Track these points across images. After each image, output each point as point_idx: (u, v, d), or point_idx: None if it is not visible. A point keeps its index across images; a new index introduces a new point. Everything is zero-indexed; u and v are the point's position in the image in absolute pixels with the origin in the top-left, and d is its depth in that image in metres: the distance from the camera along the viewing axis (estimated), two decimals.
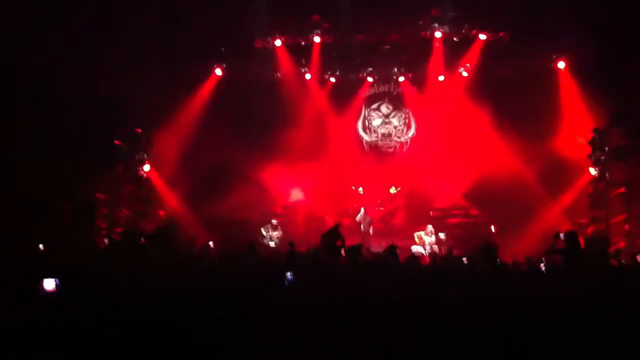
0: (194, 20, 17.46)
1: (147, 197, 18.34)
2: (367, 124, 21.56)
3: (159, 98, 17.56)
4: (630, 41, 15.92)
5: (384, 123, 21.46)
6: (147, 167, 18.51)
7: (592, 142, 17.29)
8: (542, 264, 10.51)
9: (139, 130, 18.36)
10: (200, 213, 17.95)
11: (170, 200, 18.68)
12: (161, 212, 18.31)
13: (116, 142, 17.89)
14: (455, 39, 19.45)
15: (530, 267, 10.53)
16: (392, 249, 9.45)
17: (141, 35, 16.78)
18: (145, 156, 18.51)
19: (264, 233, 18.04)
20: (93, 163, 16.29)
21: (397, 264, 9.58)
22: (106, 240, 13.68)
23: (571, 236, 11.16)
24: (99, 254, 12.44)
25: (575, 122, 17.94)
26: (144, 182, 18.45)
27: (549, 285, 8.76)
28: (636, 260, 12.65)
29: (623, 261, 11.83)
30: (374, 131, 21.50)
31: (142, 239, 10.59)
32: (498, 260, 10.02)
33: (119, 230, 16.89)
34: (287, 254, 10.88)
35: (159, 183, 18.83)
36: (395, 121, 21.42)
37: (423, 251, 16.26)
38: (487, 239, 13.31)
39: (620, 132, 16.78)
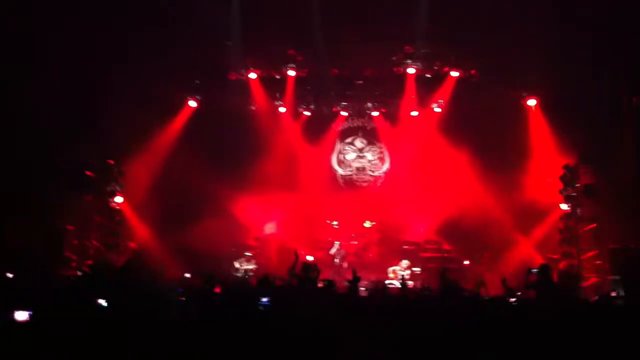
0: (168, 52, 17.45)
1: (117, 229, 18.00)
2: (341, 157, 21.65)
3: (132, 129, 17.44)
4: (597, 81, 16.37)
5: (358, 157, 21.57)
6: (119, 199, 18.23)
7: (563, 178, 17.56)
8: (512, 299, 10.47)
9: (111, 162, 18.13)
10: (172, 245, 17.65)
11: (141, 232, 18.37)
12: (131, 244, 17.99)
13: (87, 172, 17.61)
14: (427, 75, 19.68)
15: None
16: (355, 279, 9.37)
17: (114, 64, 16.74)
18: (117, 187, 18.24)
19: (237, 266, 17.83)
20: (63, 193, 16.03)
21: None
22: (79, 273, 13.36)
23: (545, 269, 11.28)
24: (70, 285, 12.18)
25: (546, 159, 18.24)
26: (114, 214, 18.13)
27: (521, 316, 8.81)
28: (608, 295, 12.79)
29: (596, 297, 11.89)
30: (348, 165, 21.60)
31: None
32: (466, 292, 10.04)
33: (88, 262, 16.54)
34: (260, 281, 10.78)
35: (129, 214, 18.54)
36: (369, 155, 21.55)
37: (398, 285, 16.18)
38: (458, 273, 13.33)
39: (588, 169, 17.10)
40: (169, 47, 17.27)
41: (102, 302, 8.20)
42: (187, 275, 13.84)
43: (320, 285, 9.60)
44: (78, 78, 16.15)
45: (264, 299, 8.44)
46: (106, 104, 16.84)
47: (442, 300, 9.57)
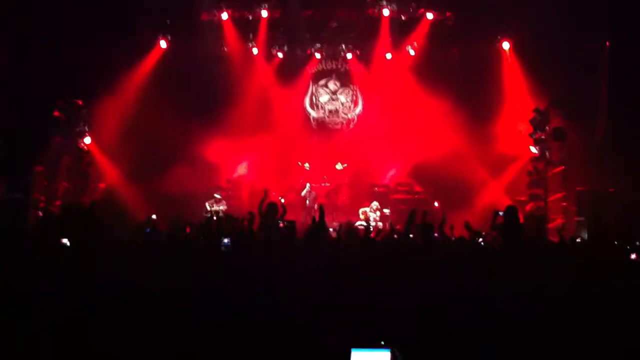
0: None
1: (86, 170, 17.83)
2: (314, 100, 21.50)
3: (101, 69, 17.13)
4: (571, 25, 16.32)
5: (331, 99, 21.45)
6: (87, 140, 18.01)
7: (533, 122, 17.67)
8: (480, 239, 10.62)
9: (80, 102, 17.83)
10: (142, 187, 17.56)
11: (111, 174, 18.22)
12: (101, 185, 17.86)
13: (55, 113, 17.32)
14: (402, 17, 19.46)
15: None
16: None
17: (83, 3, 16.32)
18: (86, 128, 17.99)
19: (208, 207, 17.83)
20: (31, 135, 15.81)
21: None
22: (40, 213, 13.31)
23: (511, 211, 11.39)
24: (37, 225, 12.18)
25: (518, 103, 18.32)
26: (83, 155, 17.94)
27: (486, 259, 8.95)
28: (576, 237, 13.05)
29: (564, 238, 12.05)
30: (321, 107, 21.47)
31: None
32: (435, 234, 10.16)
33: (57, 203, 16.45)
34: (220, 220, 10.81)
35: (99, 156, 18.36)
36: (342, 98, 21.43)
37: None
38: (429, 214, 13.43)
39: (559, 113, 17.21)
40: None
41: (65, 241, 8.19)
42: (154, 216, 13.78)
43: (281, 225, 9.62)
44: (46, 17, 15.79)
45: (225, 240, 8.48)
46: (75, 42, 16.47)
47: (408, 242, 9.70)
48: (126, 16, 17.57)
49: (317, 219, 9.01)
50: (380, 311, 5.51)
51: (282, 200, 16.82)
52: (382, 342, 4.32)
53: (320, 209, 8.92)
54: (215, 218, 13.05)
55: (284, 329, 5.29)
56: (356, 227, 12.37)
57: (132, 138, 17.89)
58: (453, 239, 9.92)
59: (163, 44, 19.68)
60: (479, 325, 5.51)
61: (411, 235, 9.62)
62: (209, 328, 5.44)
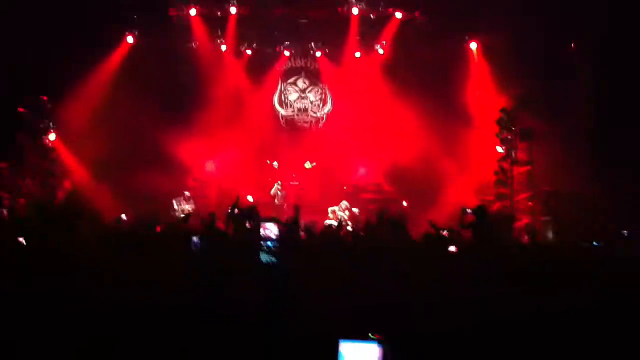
0: None
1: (51, 168, 17.54)
2: (283, 98, 21.39)
3: (67, 65, 16.88)
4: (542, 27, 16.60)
5: (301, 98, 21.37)
6: (52, 137, 17.70)
7: (499, 122, 17.87)
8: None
9: (45, 98, 17.51)
10: (110, 186, 17.30)
11: (78, 172, 17.94)
12: (67, 184, 17.56)
13: (19, 109, 17.00)
14: (372, 16, 19.53)
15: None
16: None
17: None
18: (51, 125, 17.67)
19: (176, 206, 17.64)
20: None
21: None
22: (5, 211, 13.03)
23: (481, 211, 11.55)
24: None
25: (485, 103, 18.53)
26: (48, 152, 17.63)
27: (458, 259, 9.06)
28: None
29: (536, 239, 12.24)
30: (290, 106, 21.38)
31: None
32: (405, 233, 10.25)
33: (22, 201, 16.13)
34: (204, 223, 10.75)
35: (65, 153, 18.05)
36: (311, 96, 21.37)
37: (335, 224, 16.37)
38: (398, 213, 13.53)
39: (525, 113, 17.47)
40: None
41: (22, 240, 8.05)
42: (123, 216, 13.62)
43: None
44: (12, 11, 15.50)
45: (195, 239, 8.47)
46: (41, 37, 16.21)
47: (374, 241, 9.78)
48: (93, 11, 17.27)
49: (288, 218, 9.05)
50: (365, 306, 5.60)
51: (251, 200, 16.79)
52: (371, 335, 4.37)
53: (296, 209, 8.94)
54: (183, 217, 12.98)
55: (270, 325, 5.34)
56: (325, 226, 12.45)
57: (99, 135, 17.62)
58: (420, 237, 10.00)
59: (130, 39, 19.38)
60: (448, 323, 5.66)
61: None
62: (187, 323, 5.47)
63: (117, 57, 19.16)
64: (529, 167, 17.19)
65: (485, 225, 11.33)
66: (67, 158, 18.11)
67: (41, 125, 17.56)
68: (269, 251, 8.11)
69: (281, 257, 7.80)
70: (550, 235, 14.71)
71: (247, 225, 10.46)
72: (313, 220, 12.64)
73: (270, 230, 9.14)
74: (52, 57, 16.47)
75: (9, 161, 16.46)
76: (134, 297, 5.97)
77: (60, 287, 6.09)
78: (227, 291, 6.26)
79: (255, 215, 10.31)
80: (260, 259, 7.86)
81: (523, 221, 16.35)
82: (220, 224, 11.00)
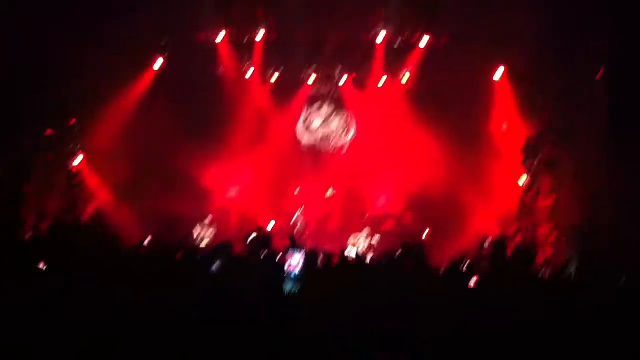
0: (135, 11, 17.08)
1: (76, 191, 17.79)
2: (307, 124, 21.48)
3: (95, 88, 17.16)
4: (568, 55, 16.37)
5: (324, 124, 21.42)
6: (78, 159, 17.97)
7: (525, 150, 17.62)
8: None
9: (73, 120, 17.81)
10: (132, 208, 17.50)
11: (102, 195, 18.18)
12: (91, 207, 17.80)
13: (48, 131, 17.31)
14: (397, 43, 19.53)
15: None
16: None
17: (79, 24, 16.33)
18: (78, 147, 17.98)
19: (197, 233, 17.74)
20: (22, 153, 15.83)
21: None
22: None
23: (497, 244, 11.36)
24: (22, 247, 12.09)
25: (510, 129, 18.30)
26: (74, 175, 17.90)
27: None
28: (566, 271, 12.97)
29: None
30: (314, 132, 21.43)
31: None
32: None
33: (46, 223, 16.37)
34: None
35: (90, 176, 18.31)
36: (335, 123, 21.39)
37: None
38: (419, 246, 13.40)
39: (550, 142, 17.20)
40: (136, 5, 16.90)
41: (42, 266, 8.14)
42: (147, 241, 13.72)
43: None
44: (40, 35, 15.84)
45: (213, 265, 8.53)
46: (70, 61, 16.51)
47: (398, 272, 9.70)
48: (122, 35, 17.58)
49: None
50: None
51: (272, 226, 16.83)
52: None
53: (291, 239, 8.98)
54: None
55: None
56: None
57: (125, 158, 17.90)
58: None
59: (158, 64, 19.66)
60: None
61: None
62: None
63: (145, 80, 19.41)
64: (553, 197, 16.88)
65: (503, 258, 11.14)
66: (92, 180, 18.34)
67: (68, 148, 17.83)
68: (294, 280, 8.14)
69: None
70: (572, 270, 14.38)
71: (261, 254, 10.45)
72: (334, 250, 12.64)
73: (296, 259, 9.17)
74: (80, 80, 16.74)
75: (34, 184, 16.66)
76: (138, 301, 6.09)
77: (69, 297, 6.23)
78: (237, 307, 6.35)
79: (269, 244, 10.28)
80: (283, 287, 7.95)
81: (545, 254, 16.08)
82: (238, 250, 11.04)
